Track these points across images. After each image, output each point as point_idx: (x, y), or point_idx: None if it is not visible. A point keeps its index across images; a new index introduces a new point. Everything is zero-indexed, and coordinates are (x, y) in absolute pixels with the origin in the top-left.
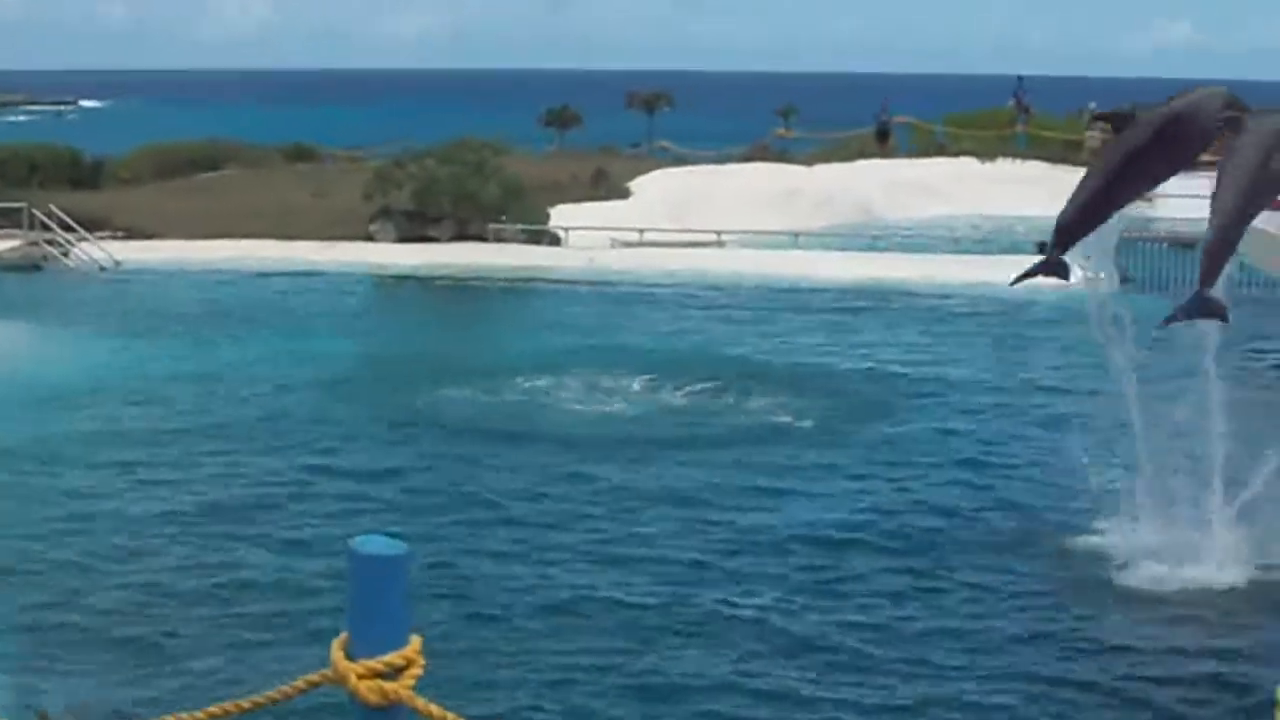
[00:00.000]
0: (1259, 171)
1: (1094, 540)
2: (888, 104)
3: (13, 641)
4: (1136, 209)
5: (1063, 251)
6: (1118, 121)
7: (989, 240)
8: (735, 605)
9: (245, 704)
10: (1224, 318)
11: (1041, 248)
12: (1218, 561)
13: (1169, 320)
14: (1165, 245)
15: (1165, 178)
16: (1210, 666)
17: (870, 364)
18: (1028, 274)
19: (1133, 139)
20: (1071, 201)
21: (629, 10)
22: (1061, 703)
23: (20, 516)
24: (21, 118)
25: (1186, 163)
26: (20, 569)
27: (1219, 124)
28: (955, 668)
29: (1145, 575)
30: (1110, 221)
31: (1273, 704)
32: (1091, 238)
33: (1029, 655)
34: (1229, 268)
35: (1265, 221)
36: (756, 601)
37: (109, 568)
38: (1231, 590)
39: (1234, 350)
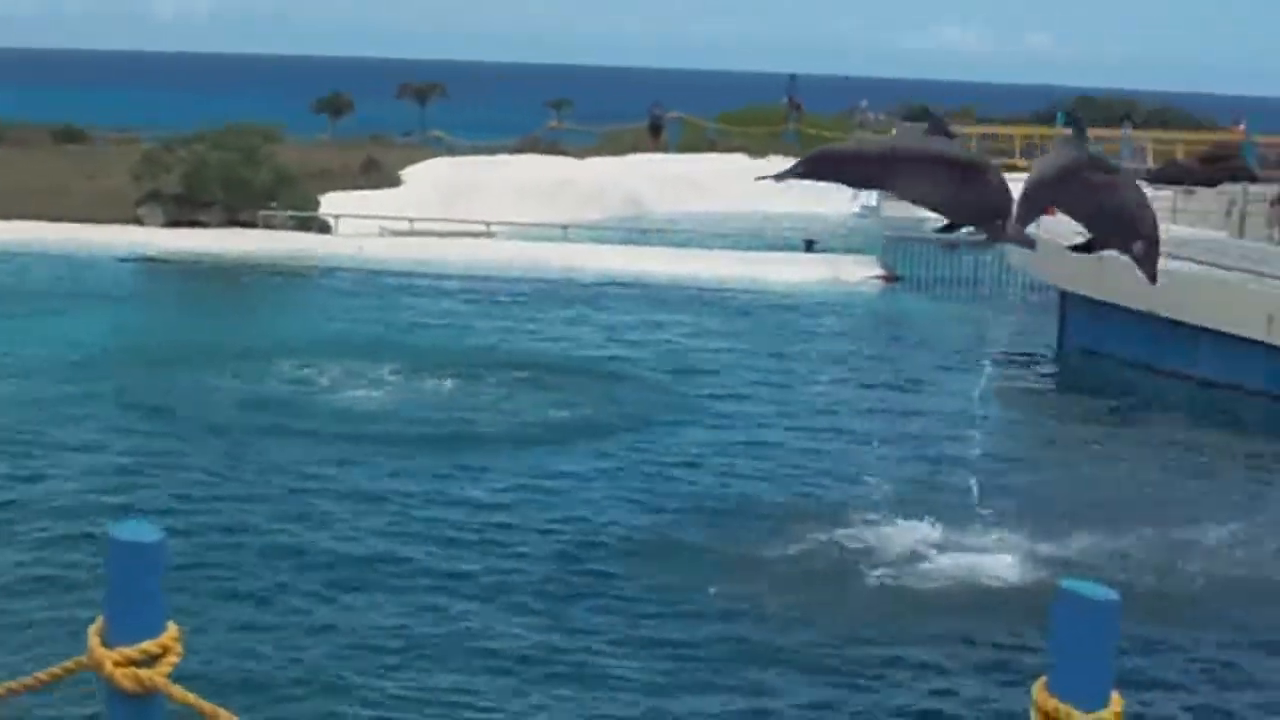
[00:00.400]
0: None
1: (856, 533)
2: (661, 99)
3: None
4: (905, 209)
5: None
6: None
7: (756, 236)
8: (473, 613)
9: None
10: (1031, 246)
11: (809, 245)
12: (979, 551)
13: (992, 236)
14: (932, 245)
15: None
16: (967, 657)
17: (634, 356)
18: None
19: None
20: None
21: (400, 3)
22: (822, 695)
23: None
24: None
25: None
26: None
27: None
28: (690, 678)
29: (911, 568)
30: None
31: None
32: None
33: (776, 653)
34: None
35: (1036, 229)
36: (492, 608)
37: None
38: (993, 580)
39: (1002, 348)
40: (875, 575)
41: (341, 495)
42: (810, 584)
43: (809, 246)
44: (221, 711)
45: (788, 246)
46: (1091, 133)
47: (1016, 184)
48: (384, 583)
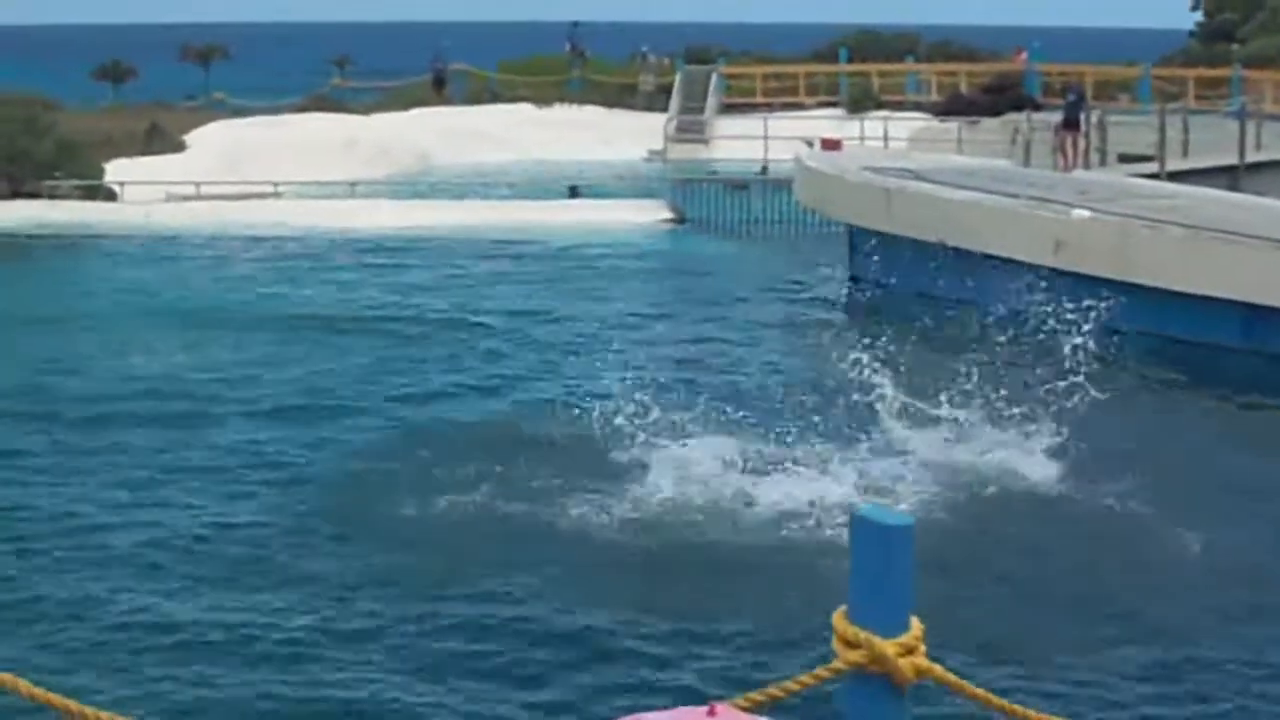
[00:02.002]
0: None
1: (640, 454)
2: (443, 52)
3: None
4: (693, 152)
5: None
6: None
7: (542, 184)
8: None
9: None
10: None
11: (573, 191)
12: (770, 475)
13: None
14: (720, 186)
15: None
16: (770, 586)
17: (425, 305)
18: None
19: None
20: None
21: None
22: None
23: None
24: None
25: None
26: None
27: None
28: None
29: (697, 490)
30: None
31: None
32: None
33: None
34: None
35: (816, 162)
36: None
37: None
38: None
39: (794, 281)
40: (657, 499)
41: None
42: (593, 505)
43: (573, 192)
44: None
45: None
46: (876, 67)
47: (802, 120)
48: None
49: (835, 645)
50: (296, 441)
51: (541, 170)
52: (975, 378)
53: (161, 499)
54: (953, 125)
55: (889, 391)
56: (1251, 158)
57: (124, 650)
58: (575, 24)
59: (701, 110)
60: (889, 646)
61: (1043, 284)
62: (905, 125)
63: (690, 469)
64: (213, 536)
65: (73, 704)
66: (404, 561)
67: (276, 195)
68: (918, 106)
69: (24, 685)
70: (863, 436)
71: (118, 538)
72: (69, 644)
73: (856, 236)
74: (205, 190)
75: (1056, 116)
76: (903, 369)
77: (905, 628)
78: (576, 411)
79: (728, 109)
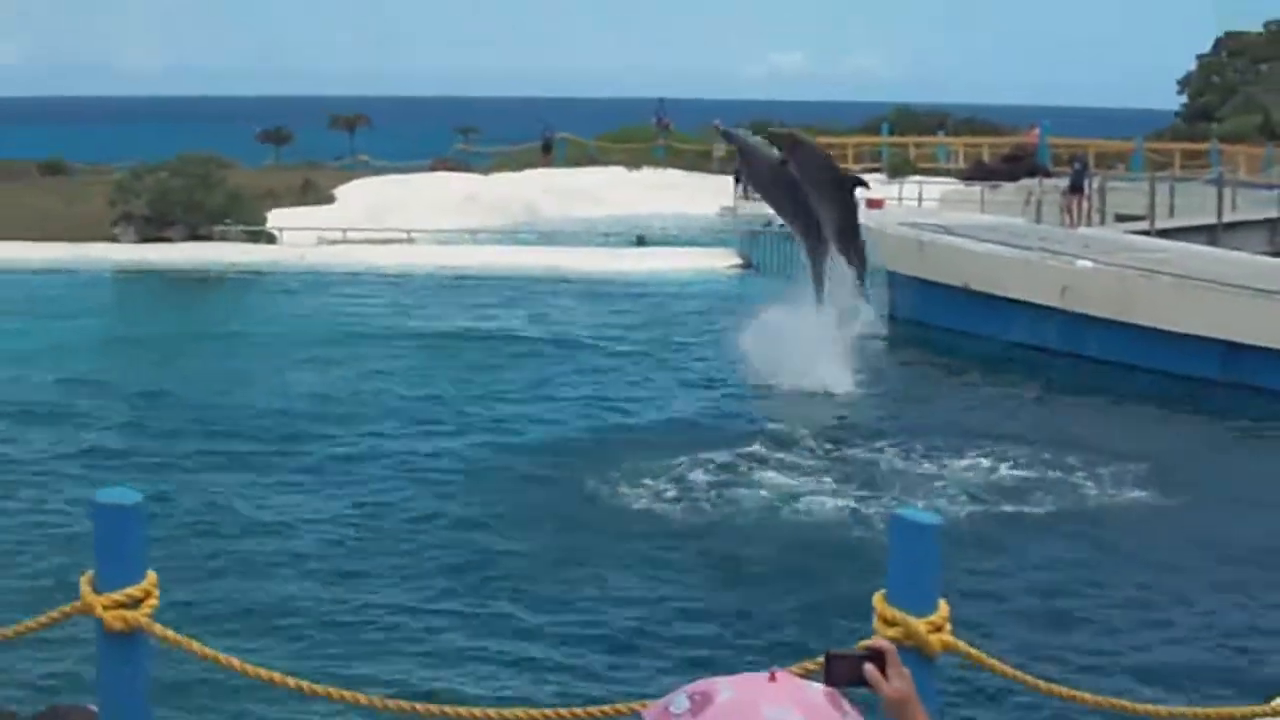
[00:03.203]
0: None
1: (727, 459)
2: (550, 123)
3: None
4: (759, 208)
5: None
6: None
7: (632, 234)
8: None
9: (3, 633)
10: None
11: (640, 240)
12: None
13: None
14: (781, 236)
15: None
16: (819, 579)
17: (535, 332)
18: None
19: None
20: None
21: (328, 47)
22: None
23: None
24: None
25: None
26: None
27: None
28: None
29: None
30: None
31: None
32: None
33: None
34: None
35: (862, 216)
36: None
37: None
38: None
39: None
40: (717, 498)
41: (292, 463)
42: (681, 513)
43: (640, 241)
44: (194, 643)
45: (660, 241)
46: (913, 139)
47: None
48: (335, 539)
49: (875, 623)
50: (436, 441)
51: (632, 223)
52: (999, 396)
53: (333, 493)
54: (976, 188)
55: (932, 410)
56: (1228, 218)
57: (339, 637)
58: (661, 101)
59: None
60: (921, 625)
61: (1052, 322)
62: (936, 188)
63: (749, 474)
64: (386, 526)
65: (293, 681)
66: (537, 544)
67: (410, 240)
68: (947, 173)
69: (238, 663)
70: (909, 440)
71: (300, 535)
72: (284, 632)
73: (895, 279)
74: (350, 235)
75: (1064, 182)
76: (931, 391)
77: (934, 609)
78: (662, 421)
79: None
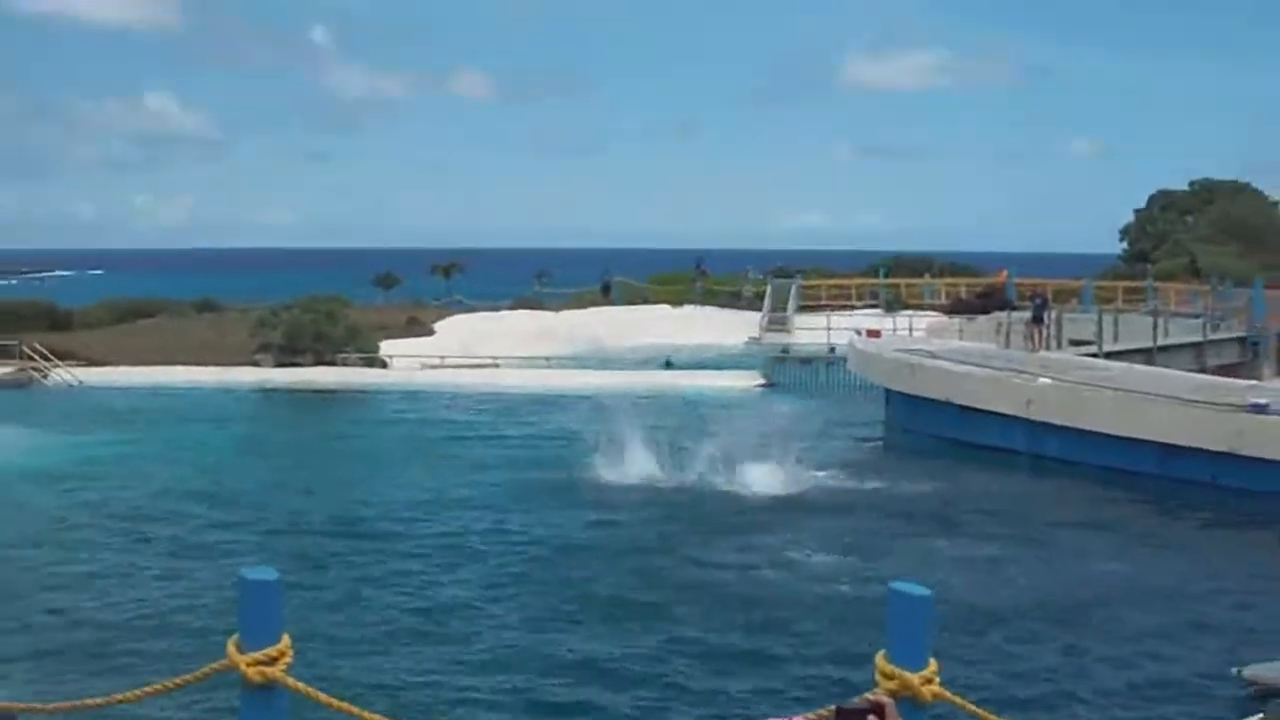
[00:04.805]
0: None
1: (746, 539)
2: (609, 269)
3: None
4: (780, 338)
5: None
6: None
7: (676, 357)
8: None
9: (166, 685)
10: None
11: (668, 364)
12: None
13: None
14: (798, 361)
15: None
16: (819, 644)
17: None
18: None
19: None
20: None
21: (430, 208)
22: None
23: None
24: (13, 281)
25: None
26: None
27: None
28: None
29: (775, 573)
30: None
31: None
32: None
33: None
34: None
35: (862, 345)
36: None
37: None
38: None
39: (846, 425)
40: (737, 561)
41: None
42: (704, 587)
43: (668, 365)
44: (322, 695)
45: (689, 365)
46: (904, 280)
47: (853, 317)
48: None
49: (877, 677)
50: (528, 521)
51: (674, 349)
52: (975, 490)
53: (447, 577)
54: (956, 320)
55: (921, 501)
56: (1161, 342)
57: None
58: (700, 257)
59: (785, 309)
60: (915, 678)
61: (1020, 428)
62: (923, 320)
63: (762, 537)
64: (500, 595)
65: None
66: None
67: (496, 365)
68: (932, 307)
69: (368, 715)
70: (889, 528)
71: (411, 604)
72: (407, 691)
73: (890, 395)
74: (448, 361)
75: (1027, 314)
76: (921, 483)
77: (926, 665)
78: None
79: (803, 309)
